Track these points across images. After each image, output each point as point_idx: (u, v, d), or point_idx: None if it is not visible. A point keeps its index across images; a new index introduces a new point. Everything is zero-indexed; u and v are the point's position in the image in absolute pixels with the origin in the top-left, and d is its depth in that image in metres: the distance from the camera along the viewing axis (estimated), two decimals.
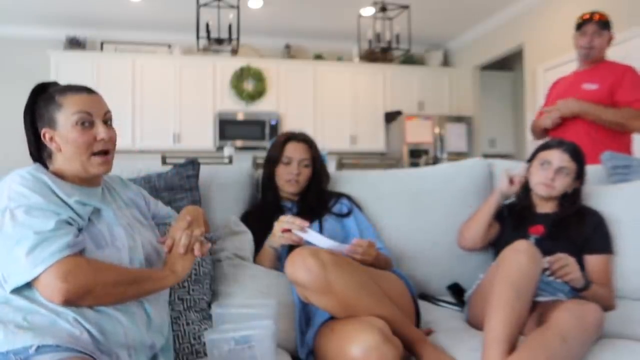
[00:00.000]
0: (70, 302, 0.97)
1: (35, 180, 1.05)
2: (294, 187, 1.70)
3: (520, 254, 1.27)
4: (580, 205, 1.67)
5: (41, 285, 0.96)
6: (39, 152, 1.17)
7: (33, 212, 1.00)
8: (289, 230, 1.42)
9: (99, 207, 1.13)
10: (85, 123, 1.11)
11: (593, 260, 1.58)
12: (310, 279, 1.21)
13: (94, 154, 1.12)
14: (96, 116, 1.13)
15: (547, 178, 1.63)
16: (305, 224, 1.41)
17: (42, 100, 1.14)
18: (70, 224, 1.03)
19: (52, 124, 1.12)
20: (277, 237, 1.46)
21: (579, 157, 1.65)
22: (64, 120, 1.11)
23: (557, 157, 1.63)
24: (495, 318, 1.21)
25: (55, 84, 1.19)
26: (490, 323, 1.21)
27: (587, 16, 2.50)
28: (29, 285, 0.98)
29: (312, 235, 1.39)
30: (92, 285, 0.98)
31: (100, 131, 1.12)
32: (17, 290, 0.98)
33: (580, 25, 2.51)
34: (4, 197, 1.02)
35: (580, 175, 1.66)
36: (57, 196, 1.05)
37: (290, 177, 1.68)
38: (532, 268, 1.27)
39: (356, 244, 1.40)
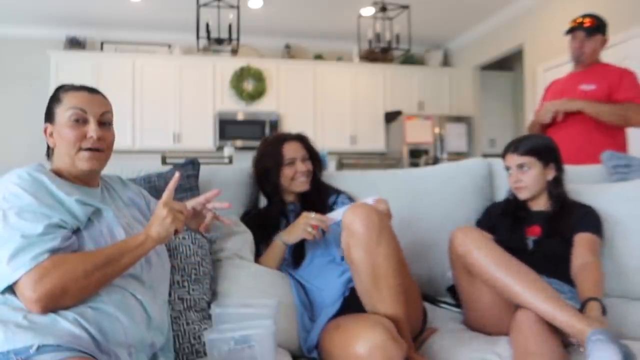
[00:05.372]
0: (48, 309, 0.95)
1: (32, 181, 1.05)
2: (305, 184, 1.68)
3: (458, 231, 1.40)
4: (569, 199, 1.67)
5: (19, 292, 0.96)
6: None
7: (24, 214, 0.99)
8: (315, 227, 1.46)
9: (100, 208, 1.13)
10: (79, 120, 1.12)
11: (581, 236, 1.55)
12: (368, 229, 1.26)
13: (82, 149, 1.12)
14: (91, 114, 1.13)
15: (513, 181, 1.67)
16: (328, 221, 1.48)
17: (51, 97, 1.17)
18: (61, 227, 1.02)
19: (51, 118, 1.14)
20: (301, 230, 1.46)
21: (534, 149, 1.64)
22: (61, 114, 1.13)
23: (511, 159, 1.68)
24: (502, 279, 1.28)
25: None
26: (503, 286, 1.28)
27: (577, 22, 2.53)
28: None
29: (332, 218, 1.50)
30: (63, 286, 0.95)
31: (92, 129, 1.12)
32: (14, 290, 0.97)
33: (570, 30, 2.54)
34: (0, 197, 1.02)
35: (549, 162, 1.65)
36: (55, 196, 1.05)
37: (299, 174, 1.66)
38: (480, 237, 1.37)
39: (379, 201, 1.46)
